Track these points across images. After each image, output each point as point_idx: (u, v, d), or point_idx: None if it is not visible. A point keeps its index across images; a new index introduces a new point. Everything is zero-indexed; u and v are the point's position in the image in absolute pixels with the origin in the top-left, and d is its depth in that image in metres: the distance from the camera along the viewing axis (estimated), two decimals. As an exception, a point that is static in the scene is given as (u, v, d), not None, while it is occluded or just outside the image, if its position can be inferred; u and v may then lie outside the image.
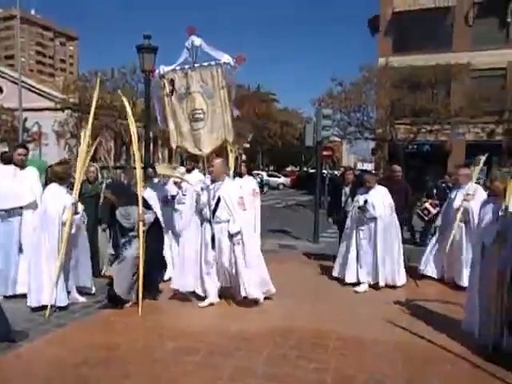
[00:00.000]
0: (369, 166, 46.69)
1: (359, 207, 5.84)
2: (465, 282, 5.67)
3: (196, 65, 5.25)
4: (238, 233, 4.89)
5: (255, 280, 4.96)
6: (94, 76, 23.58)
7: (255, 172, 35.22)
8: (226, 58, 5.15)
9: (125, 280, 4.75)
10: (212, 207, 4.95)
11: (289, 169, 48.11)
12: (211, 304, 4.98)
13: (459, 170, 6.29)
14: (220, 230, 4.94)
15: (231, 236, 4.91)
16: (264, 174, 35.05)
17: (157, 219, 5.04)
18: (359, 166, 62.45)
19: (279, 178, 36.49)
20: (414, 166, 17.95)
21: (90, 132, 4.99)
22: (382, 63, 20.04)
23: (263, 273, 5.09)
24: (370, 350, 3.97)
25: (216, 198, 4.95)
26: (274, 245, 9.21)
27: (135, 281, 4.76)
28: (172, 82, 5.37)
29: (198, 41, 5.17)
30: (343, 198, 6.95)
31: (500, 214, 3.95)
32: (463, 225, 5.93)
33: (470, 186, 5.96)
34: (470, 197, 5.79)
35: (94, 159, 8.57)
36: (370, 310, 5.05)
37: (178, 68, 5.34)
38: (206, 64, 5.25)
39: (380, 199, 5.82)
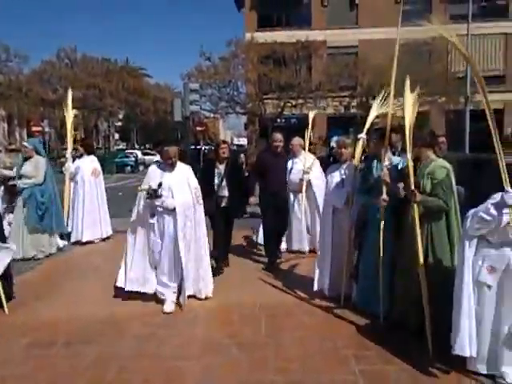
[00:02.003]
0: (244, 141, 47.98)
1: (148, 192, 4.18)
2: (305, 248, 6.17)
3: None
4: None
5: None
6: None
7: (128, 151, 33.81)
8: None
9: None
10: None
11: (165, 146, 46.81)
12: None
13: (292, 140, 6.37)
14: None
15: None
16: (138, 152, 33.69)
17: None
18: (235, 141, 63.95)
19: (155, 155, 35.38)
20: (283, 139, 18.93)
21: None
22: (249, 38, 20.47)
23: None
24: (237, 314, 4.15)
25: None
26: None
27: None
28: None
29: None
30: (216, 180, 5.41)
31: (351, 175, 4.35)
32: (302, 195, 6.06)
33: (304, 156, 6.20)
34: (309, 169, 6.07)
35: None
36: (239, 274, 5.29)
37: None
38: None
39: (183, 182, 4.35)
